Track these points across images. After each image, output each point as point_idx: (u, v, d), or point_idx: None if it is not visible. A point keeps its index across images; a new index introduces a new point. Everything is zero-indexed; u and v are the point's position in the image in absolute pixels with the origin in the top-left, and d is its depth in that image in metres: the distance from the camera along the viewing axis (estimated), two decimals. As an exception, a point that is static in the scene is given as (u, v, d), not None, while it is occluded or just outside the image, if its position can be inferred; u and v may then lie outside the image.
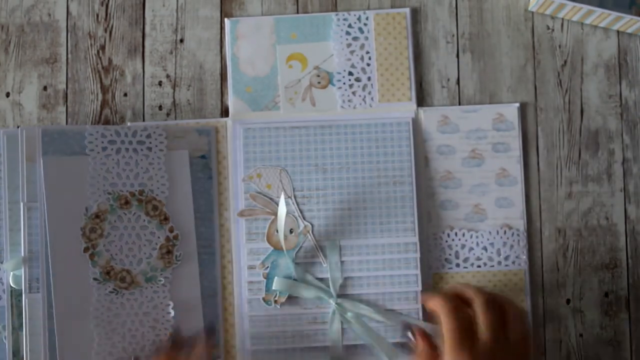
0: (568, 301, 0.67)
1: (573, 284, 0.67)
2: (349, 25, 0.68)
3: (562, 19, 0.69)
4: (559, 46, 0.69)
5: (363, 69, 0.68)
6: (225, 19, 0.69)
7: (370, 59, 0.68)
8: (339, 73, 0.68)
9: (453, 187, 0.67)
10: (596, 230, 0.68)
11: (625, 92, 0.69)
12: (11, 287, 0.63)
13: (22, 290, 0.63)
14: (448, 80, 0.69)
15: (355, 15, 0.68)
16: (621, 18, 0.66)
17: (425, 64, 0.69)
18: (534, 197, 0.68)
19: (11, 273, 0.63)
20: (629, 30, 0.69)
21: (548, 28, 0.69)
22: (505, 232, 0.66)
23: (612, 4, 0.66)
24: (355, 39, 0.68)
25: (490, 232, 0.66)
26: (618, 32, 0.69)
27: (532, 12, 0.69)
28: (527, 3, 0.69)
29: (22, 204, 0.63)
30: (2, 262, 0.64)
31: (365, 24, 0.68)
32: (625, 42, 0.69)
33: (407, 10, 0.68)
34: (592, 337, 0.67)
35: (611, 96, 0.69)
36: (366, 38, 0.68)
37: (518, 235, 0.66)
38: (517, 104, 0.68)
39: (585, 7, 0.66)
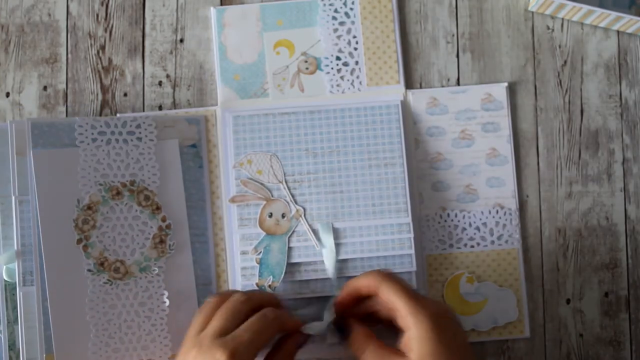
0: (568, 301, 0.67)
1: (573, 284, 0.67)
2: (335, 10, 0.68)
3: (562, 19, 0.69)
4: (559, 46, 0.69)
5: (350, 54, 0.68)
6: (211, 8, 0.69)
7: (357, 43, 0.68)
8: (327, 58, 0.68)
9: (444, 168, 0.67)
10: (596, 230, 0.68)
11: (625, 92, 0.69)
12: (5, 280, 0.63)
13: (16, 283, 0.63)
14: (448, 80, 0.68)
15: (341, 0, 0.68)
16: (621, 18, 0.66)
17: (425, 64, 0.69)
18: (533, 198, 0.68)
19: (4, 267, 0.63)
20: (629, 30, 0.68)
21: (548, 28, 0.69)
22: (497, 212, 0.66)
23: (612, 4, 0.66)
24: (341, 23, 0.68)
25: (482, 212, 0.66)
26: (618, 32, 0.69)
27: (532, 12, 0.69)
28: (527, 3, 0.69)
29: (13, 198, 0.63)
30: (-5, 257, 0.64)
31: (351, 9, 0.68)
32: (625, 42, 0.69)
33: (393, -7, 0.68)
34: (592, 337, 0.67)
35: (611, 96, 0.69)
36: (352, 22, 0.68)
37: (510, 214, 0.66)
38: (505, 83, 0.68)
39: (585, 7, 0.66)
